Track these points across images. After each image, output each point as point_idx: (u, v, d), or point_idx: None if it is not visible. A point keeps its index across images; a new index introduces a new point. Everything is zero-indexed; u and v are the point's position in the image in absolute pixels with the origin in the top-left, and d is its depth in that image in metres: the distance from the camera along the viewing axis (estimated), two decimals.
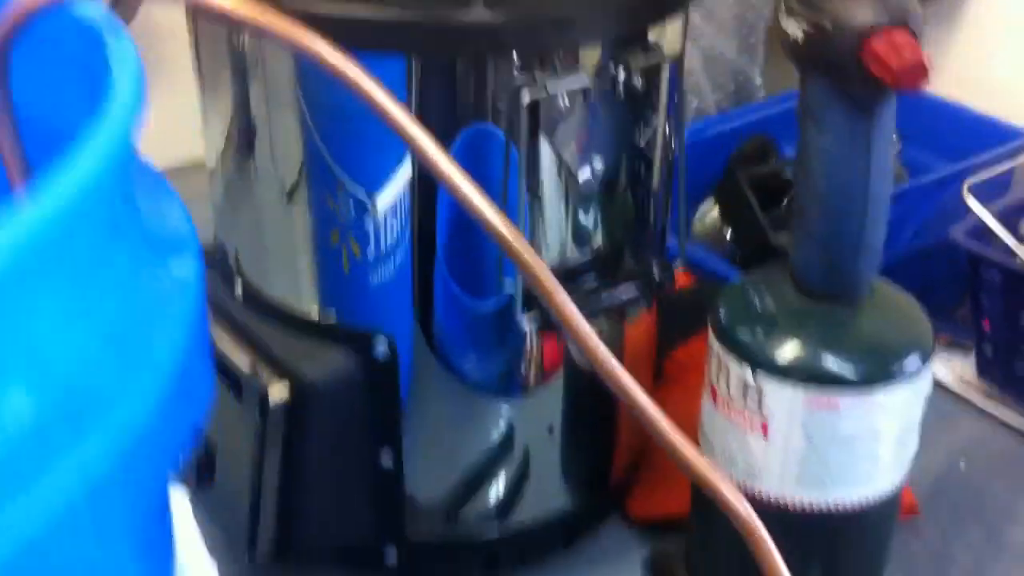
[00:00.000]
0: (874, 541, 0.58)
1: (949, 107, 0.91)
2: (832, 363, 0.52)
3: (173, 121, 0.65)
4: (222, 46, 0.54)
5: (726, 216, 0.84)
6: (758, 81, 0.91)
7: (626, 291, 0.58)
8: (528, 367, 0.58)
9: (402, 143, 0.36)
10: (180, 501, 0.54)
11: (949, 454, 0.75)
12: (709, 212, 0.86)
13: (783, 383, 0.52)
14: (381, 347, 0.54)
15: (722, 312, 0.56)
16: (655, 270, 0.60)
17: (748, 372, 0.53)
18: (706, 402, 0.57)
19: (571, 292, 0.40)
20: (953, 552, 0.67)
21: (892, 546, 0.60)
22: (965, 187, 0.73)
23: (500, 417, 0.60)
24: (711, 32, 0.87)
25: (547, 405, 0.60)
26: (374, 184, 0.52)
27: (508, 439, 0.60)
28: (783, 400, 0.53)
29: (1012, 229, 0.74)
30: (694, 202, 0.87)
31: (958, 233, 0.73)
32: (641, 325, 0.63)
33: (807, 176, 0.52)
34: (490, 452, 0.60)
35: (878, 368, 0.52)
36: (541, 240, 0.55)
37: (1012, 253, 0.72)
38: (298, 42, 0.35)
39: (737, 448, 0.56)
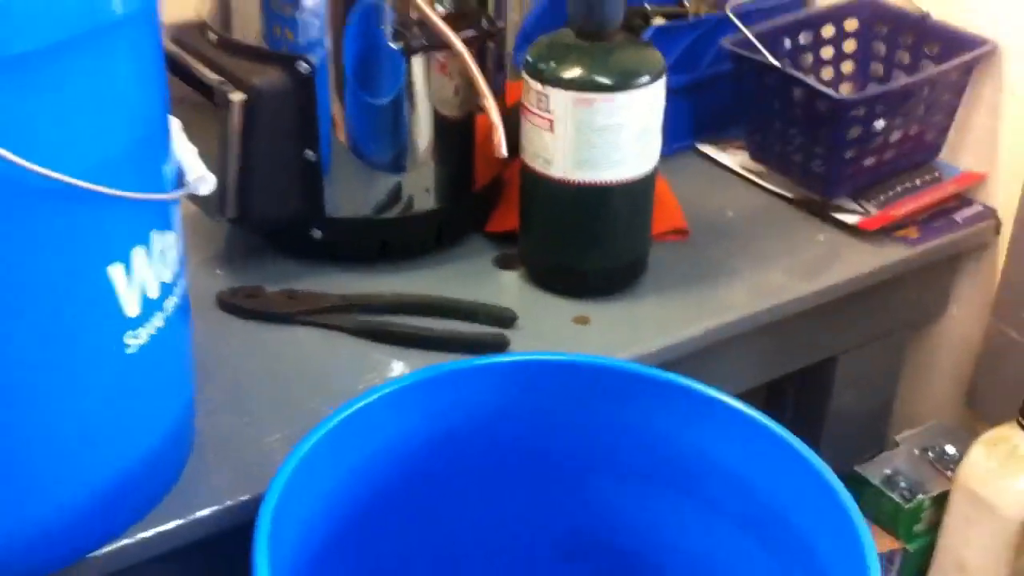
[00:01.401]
0: (629, 212, 0.88)
1: None
2: (588, 74, 0.82)
3: None
4: None
5: None
6: None
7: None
8: (409, 93, 0.88)
9: None
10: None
11: (721, 208, 1.04)
12: None
13: (559, 88, 0.82)
14: (304, 65, 0.84)
15: (530, 57, 0.85)
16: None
17: (539, 86, 0.83)
18: (523, 122, 0.87)
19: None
20: (706, 263, 0.97)
21: (647, 228, 0.90)
22: (727, 8, 1.03)
23: (394, 127, 0.89)
24: None
25: (424, 120, 0.90)
26: None
27: (398, 143, 0.89)
28: (560, 100, 0.83)
29: (777, 47, 1.04)
30: None
31: (727, 42, 1.02)
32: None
33: None
34: (386, 153, 0.89)
35: (619, 79, 0.82)
36: None
37: (772, 64, 1.01)
38: None
39: (539, 144, 0.86)
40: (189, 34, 0.92)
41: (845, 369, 1.06)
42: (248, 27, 0.87)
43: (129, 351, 0.62)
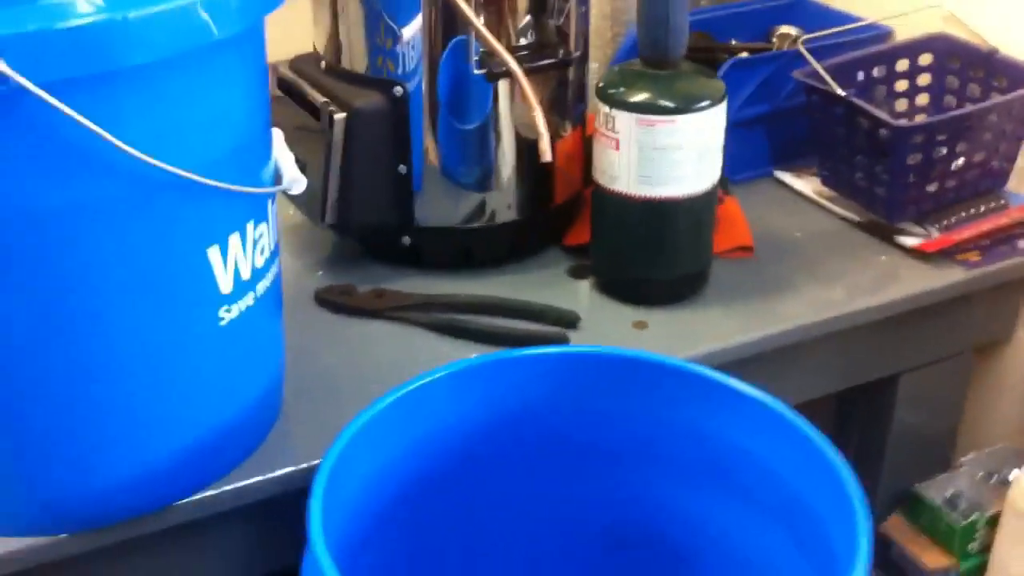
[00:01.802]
0: (690, 229, 0.95)
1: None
2: (651, 98, 0.90)
3: None
4: None
5: None
6: None
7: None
8: (494, 116, 0.97)
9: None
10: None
11: (789, 230, 1.10)
12: None
13: (624, 111, 0.90)
14: (399, 89, 0.94)
15: (601, 83, 0.94)
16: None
17: (607, 108, 0.91)
18: (595, 142, 0.95)
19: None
20: (769, 279, 1.03)
21: (708, 243, 0.97)
22: (799, 43, 1.09)
23: (480, 146, 0.98)
24: None
25: (507, 141, 0.99)
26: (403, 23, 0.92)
27: (485, 161, 0.99)
28: (625, 122, 0.91)
29: (849, 79, 1.10)
30: None
31: (800, 74, 1.09)
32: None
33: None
34: (471, 169, 0.99)
35: (680, 103, 0.90)
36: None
37: (838, 94, 1.07)
38: None
39: (606, 162, 0.94)
40: (305, 63, 1.03)
41: (908, 388, 1.11)
42: (354, 57, 0.98)
43: (222, 323, 0.72)
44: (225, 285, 0.72)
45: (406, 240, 1.01)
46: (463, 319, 0.94)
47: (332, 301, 0.97)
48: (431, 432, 0.79)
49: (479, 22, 0.86)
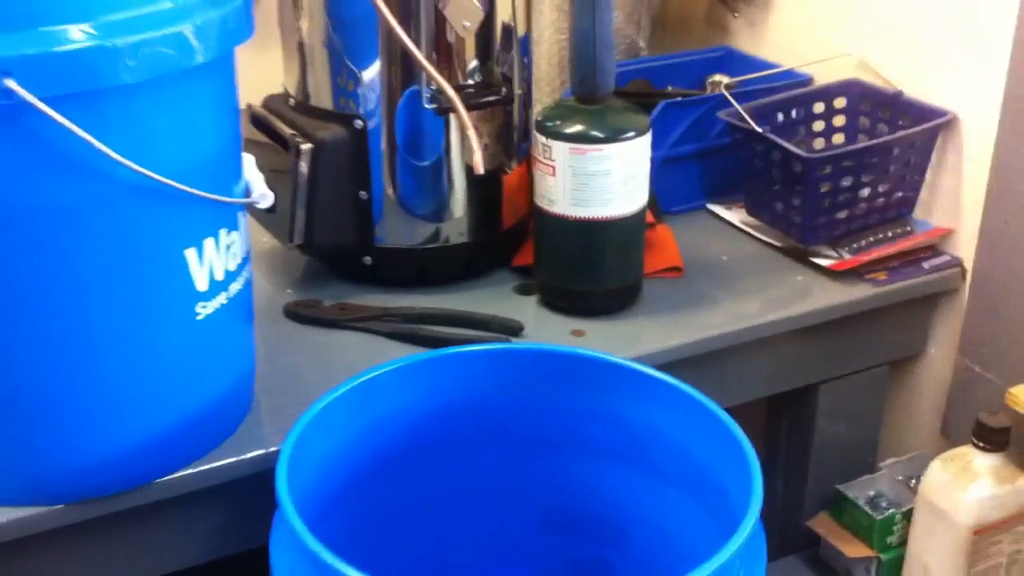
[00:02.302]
0: (619, 246, 1.07)
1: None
2: (582, 129, 1.02)
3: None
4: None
5: None
6: (642, 44, 1.40)
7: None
8: (445, 147, 1.09)
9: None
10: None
11: (717, 254, 1.22)
12: None
13: (560, 140, 1.02)
14: (359, 122, 1.05)
15: (539, 117, 1.05)
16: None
17: (544, 139, 1.03)
18: (534, 169, 1.07)
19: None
20: (694, 295, 1.14)
21: (638, 260, 1.08)
22: (724, 87, 1.21)
23: (432, 178, 1.09)
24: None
25: (457, 170, 1.10)
26: (363, 67, 1.04)
27: (438, 189, 1.10)
28: (560, 151, 1.02)
29: (770, 120, 1.22)
30: None
31: (724, 114, 1.21)
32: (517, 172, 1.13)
33: (571, 38, 1.02)
34: (426, 196, 1.10)
35: (608, 133, 1.02)
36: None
37: (757, 132, 1.18)
38: None
39: (544, 187, 1.05)
40: (276, 101, 1.15)
41: (827, 397, 1.21)
42: (320, 95, 1.09)
43: (199, 318, 0.83)
44: (201, 283, 0.82)
45: (367, 259, 1.12)
46: (416, 328, 1.05)
47: (299, 313, 1.08)
48: (383, 419, 0.89)
49: (423, 58, 0.98)
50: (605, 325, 1.07)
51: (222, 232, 0.84)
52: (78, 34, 0.71)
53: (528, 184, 1.16)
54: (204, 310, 0.83)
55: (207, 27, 0.76)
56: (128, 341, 0.80)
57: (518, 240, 1.18)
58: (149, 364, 0.82)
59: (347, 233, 1.11)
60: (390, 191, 1.10)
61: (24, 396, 0.79)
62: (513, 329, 1.05)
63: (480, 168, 0.99)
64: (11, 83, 0.68)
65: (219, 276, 0.84)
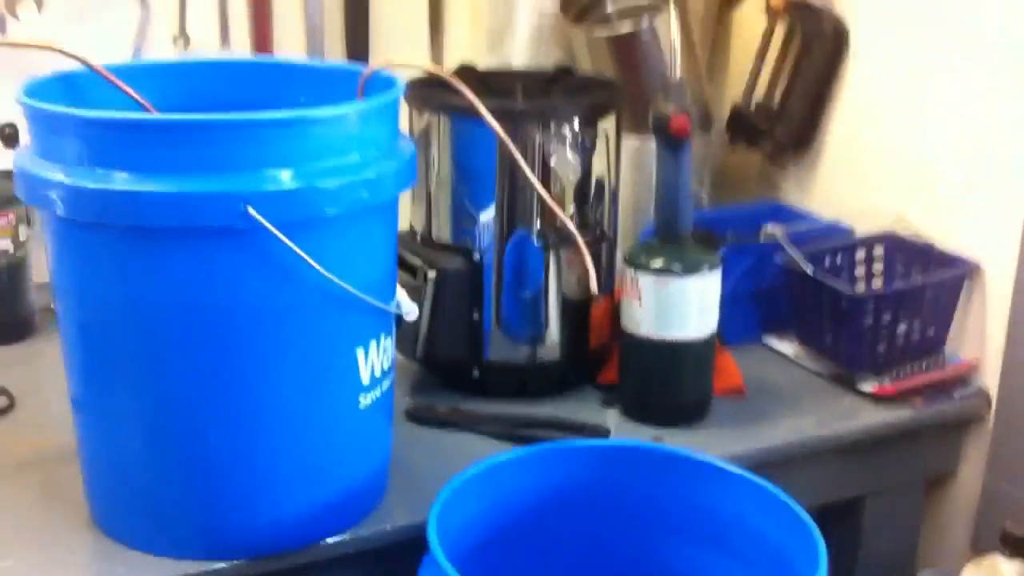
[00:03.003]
0: (694, 365, 1.25)
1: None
2: (665, 264, 1.21)
3: None
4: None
5: None
6: (704, 197, 1.62)
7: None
8: (546, 277, 1.28)
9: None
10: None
11: (774, 379, 1.40)
12: None
13: (646, 273, 1.22)
14: (476, 255, 1.26)
15: (627, 254, 1.25)
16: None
17: (632, 272, 1.23)
18: (623, 299, 1.26)
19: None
20: (756, 413, 1.31)
21: (709, 378, 1.26)
22: (780, 236, 1.41)
23: (533, 305, 1.29)
24: None
25: (554, 302, 1.30)
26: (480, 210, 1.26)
27: (537, 314, 1.29)
28: (646, 282, 1.22)
29: (818, 264, 1.41)
30: None
31: (779, 258, 1.40)
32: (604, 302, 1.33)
33: (657, 189, 1.23)
34: (527, 318, 1.29)
35: (687, 268, 1.21)
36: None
37: (808, 273, 1.37)
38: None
39: (631, 312, 1.24)
40: (405, 236, 1.35)
41: (872, 509, 1.37)
42: (442, 232, 1.30)
43: (360, 407, 1.01)
44: (365, 378, 1.01)
45: (476, 372, 1.31)
46: (522, 431, 1.23)
47: (419, 416, 1.26)
48: (504, 497, 1.06)
49: (553, 202, 1.19)
50: (680, 433, 1.25)
51: (382, 336, 1.03)
52: (288, 176, 0.91)
53: (611, 312, 1.35)
54: (365, 400, 1.02)
55: (386, 175, 0.97)
56: (306, 421, 0.98)
57: (602, 360, 1.37)
58: (320, 442, 1.00)
59: (460, 349, 1.30)
60: (497, 314, 1.29)
61: (213, 463, 0.98)
62: (601, 434, 1.23)
63: (595, 286, 1.18)
64: (251, 210, 0.88)
65: (377, 373, 1.03)
